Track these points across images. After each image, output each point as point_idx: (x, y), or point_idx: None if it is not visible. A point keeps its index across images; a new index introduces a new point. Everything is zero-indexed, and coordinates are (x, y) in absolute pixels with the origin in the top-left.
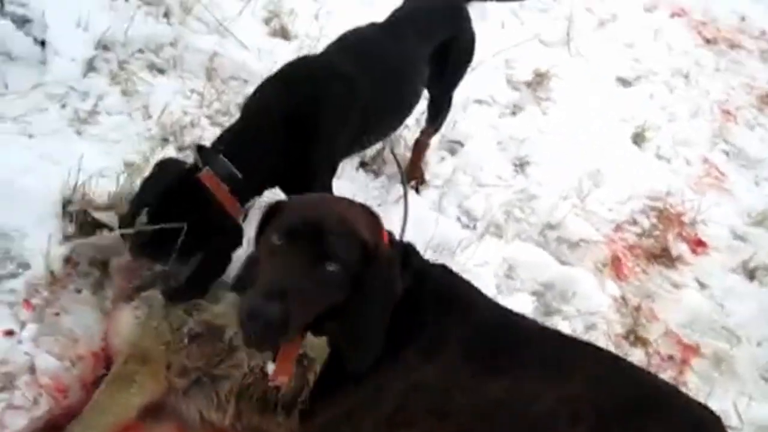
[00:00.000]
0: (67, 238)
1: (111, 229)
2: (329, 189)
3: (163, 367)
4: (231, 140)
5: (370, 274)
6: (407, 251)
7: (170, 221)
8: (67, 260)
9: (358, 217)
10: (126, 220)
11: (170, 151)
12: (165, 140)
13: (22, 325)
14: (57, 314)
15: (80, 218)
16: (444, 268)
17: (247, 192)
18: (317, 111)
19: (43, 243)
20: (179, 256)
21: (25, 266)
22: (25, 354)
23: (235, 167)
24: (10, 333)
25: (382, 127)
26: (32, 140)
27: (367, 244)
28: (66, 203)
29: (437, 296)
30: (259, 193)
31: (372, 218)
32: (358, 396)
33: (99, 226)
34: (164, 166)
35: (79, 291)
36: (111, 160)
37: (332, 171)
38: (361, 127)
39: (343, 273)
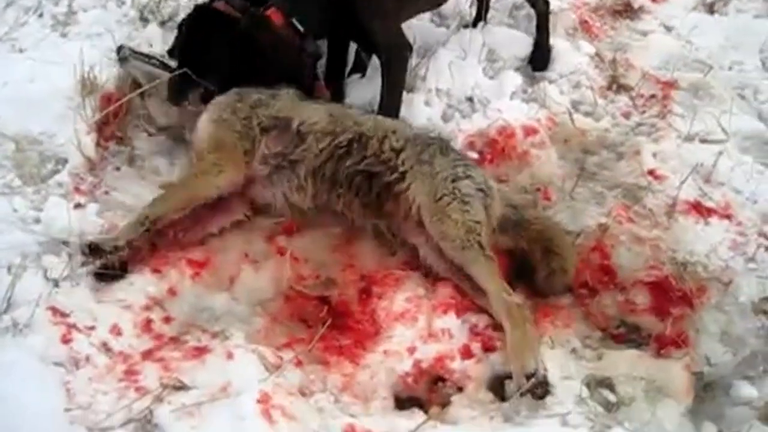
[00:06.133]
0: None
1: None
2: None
3: (241, 153)
4: None
5: None
6: None
7: (198, 44)
8: (97, 144)
9: None
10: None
11: (153, 28)
12: (145, 20)
13: (81, 205)
14: (107, 192)
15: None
16: None
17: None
18: None
19: (71, 136)
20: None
21: (63, 161)
22: (99, 226)
23: None
24: (79, 205)
25: None
26: (24, 53)
27: None
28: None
29: None
30: None
31: None
32: None
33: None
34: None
35: (117, 168)
36: (102, 50)
37: None
38: None
39: None
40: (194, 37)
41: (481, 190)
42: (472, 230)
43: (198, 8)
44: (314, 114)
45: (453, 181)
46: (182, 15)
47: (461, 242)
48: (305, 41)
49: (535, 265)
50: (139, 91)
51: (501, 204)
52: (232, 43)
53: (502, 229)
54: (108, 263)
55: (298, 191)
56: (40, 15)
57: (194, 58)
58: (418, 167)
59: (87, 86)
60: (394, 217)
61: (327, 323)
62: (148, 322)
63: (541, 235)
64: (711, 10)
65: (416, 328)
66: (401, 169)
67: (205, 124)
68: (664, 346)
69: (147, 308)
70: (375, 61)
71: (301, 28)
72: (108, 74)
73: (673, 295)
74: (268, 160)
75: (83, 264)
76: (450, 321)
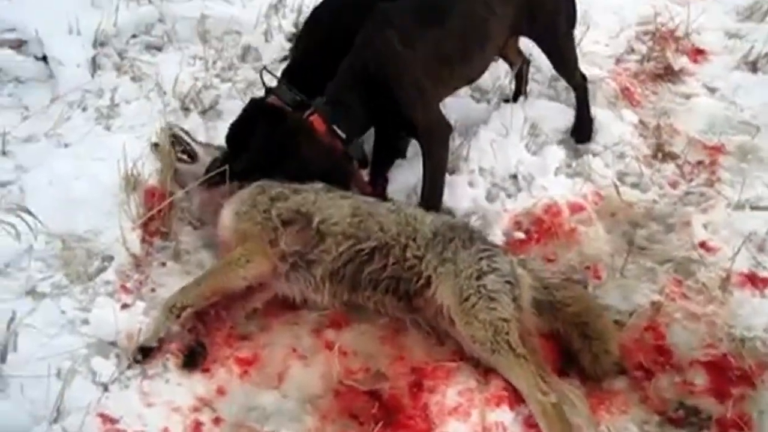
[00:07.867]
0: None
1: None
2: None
3: (266, 243)
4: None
5: None
6: None
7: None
8: (143, 240)
9: None
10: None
11: (194, 118)
12: (186, 109)
13: (128, 305)
14: (153, 290)
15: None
16: None
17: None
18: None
19: (117, 233)
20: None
21: (109, 259)
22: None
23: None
24: (126, 305)
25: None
26: (69, 149)
27: None
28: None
29: None
30: None
31: None
32: None
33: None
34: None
35: (163, 264)
36: (146, 141)
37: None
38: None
39: None
40: (241, 132)
41: (508, 282)
42: (500, 330)
43: (252, 102)
44: (336, 212)
45: (477, 278)
46: (223, 103)
47: (490, 345)
48: (350, 146)
49: (578, 350)
50: (186, 189)
51: (532, 288)
52: (273, 148)
53: (537, 312)
54: (186, 348)
55: (315, 291)
56: (84, 109)
57: (237, 151)
58: (442, 268)
59: (131, 182)
60: (427, 312)
61: (379, 423)
62: (198, 425)
63: (576, 318)
64: (754, 68)
65: (469, 423)
66: (425, 274)
67: (227, 217)
68: (725, 429)
69: (196, 409)
70: (415, 143)
71: (343, 135)
72: (150, 168)
73: (733, 374)
74: (286, 258)
75: (130, 366)
76: (503, 414)
